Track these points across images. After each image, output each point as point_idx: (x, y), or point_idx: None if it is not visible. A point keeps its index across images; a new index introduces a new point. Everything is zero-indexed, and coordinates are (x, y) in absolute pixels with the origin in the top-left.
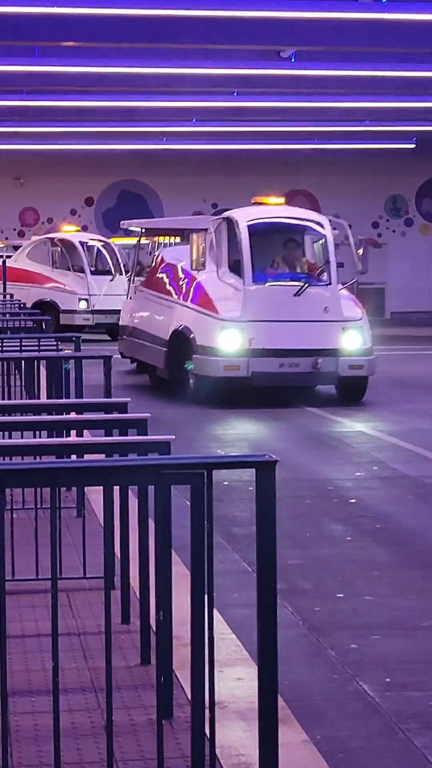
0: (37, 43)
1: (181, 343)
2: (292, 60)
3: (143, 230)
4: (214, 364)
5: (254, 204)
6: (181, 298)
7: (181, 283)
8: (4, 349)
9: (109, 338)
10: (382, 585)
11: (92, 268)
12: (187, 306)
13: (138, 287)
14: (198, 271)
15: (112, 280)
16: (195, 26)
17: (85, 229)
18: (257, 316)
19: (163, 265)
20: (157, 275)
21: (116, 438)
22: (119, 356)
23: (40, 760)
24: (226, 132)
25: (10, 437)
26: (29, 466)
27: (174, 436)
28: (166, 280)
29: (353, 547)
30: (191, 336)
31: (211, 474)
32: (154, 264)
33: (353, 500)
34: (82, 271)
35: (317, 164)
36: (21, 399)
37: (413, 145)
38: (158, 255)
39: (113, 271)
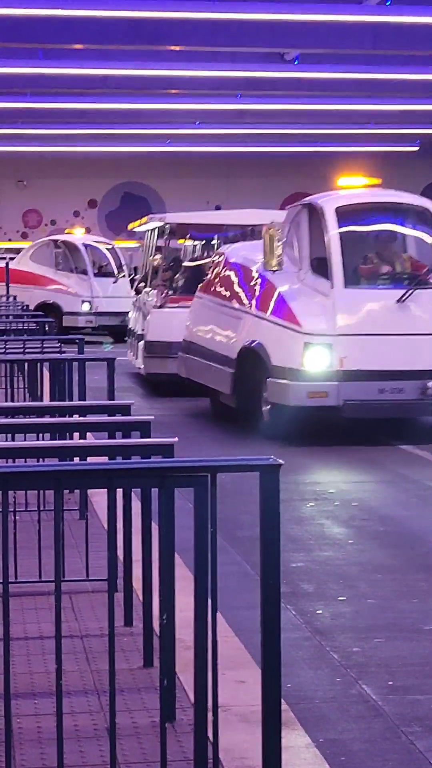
0: (40, 45)
1: (252, 363)
2: (296, 63)
3: (170, 226)
4: (296, 391)
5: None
6: (252, 306)
7: (251, 287)
8: (7, 351)
9: (112, 340)
10: (385, 588)
11: (95, 271)
12: (259, 316)
13: (198, 294)
14: (273, 272)
15: (115, 282)
16: (199, 28)
17: (88, 231)
18: (351, 329)
19: (226, 266)
20: (220, 278)
21: (119, 440)
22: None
23: (43, 763)
24: (229, 134)
25: (13, 439)
26: (32, 469)
27: (177, 438)
28: (232, 285)
29: (356, 550)
30: (265, 354)
31: (215, 477)
32: (215, 265)
33: None
34: (85, 273)
35: (320, 167)
36: (24, 401)
37: (417, 148)
38: (219, 254)
39: (116, 273)
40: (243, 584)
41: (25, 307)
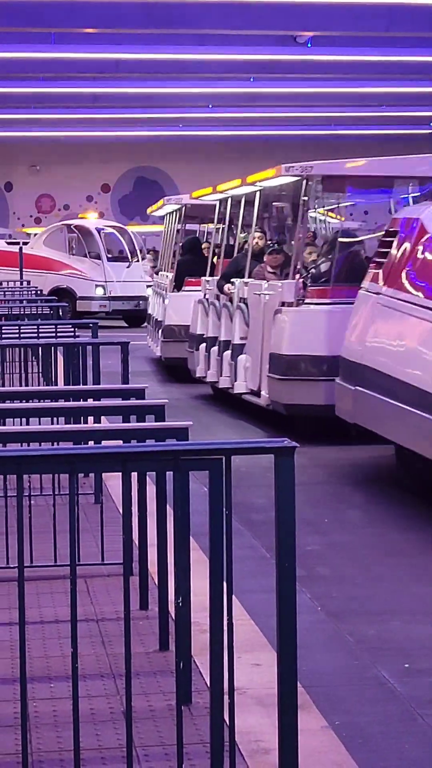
0: (53, 30)
1: None
2: (309, 45)
3: (318, 179)
4: None
5: None
6: None
7: None
8: (21, 335)
9: (126, 325)
10: (401, 571)
11: (109, 255)
12: None
13: (368, 286)
14: None
15: (128, 267)
16: (211, 12)
17: (101, 215)
18: None
19: (424, 241)
20: (414, 261)
21: (134, 424)
22: (265, 403)
23: (60, 746)
24: (242, 118)
25: (27, 423)
26: (47, 452)
27: (191, 422)
28: None
29: (371, 533)
30: None
31: (229, 460)
32: (401, 240)
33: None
34: (98, 257)
35: (334, 149)
36: (38, 386)
37: (430, 131)
38: (400, 222)
39: (130, 258)
40: (258, 567)
41: (38, 292)
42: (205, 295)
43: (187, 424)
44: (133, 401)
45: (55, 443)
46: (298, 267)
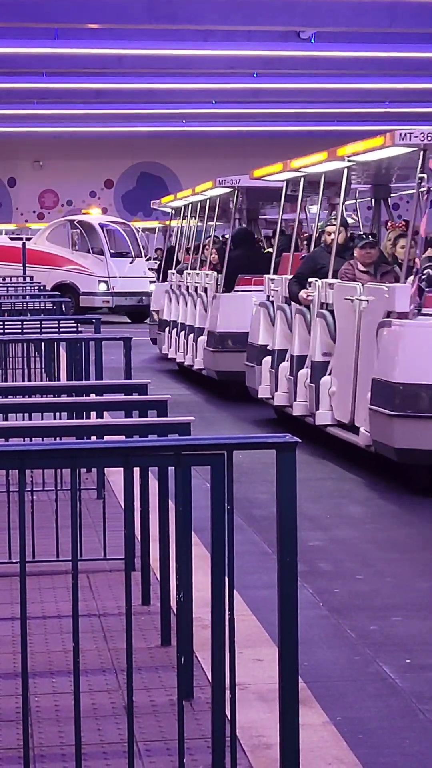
0: (56, 25)
1: None
2: (312, 41)
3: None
4: None
5: None
6: None
7: None
8: (24, 331)
9: (129, 320)
10: (403, 566)
11: (112, 251)
12: None
13: None
14: None
15: (131, 263)
16: (214, 7)
17: (105, 211)
18: None
19: None
20: None
21: (136, 419)
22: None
23: (61, 741)
24: (246, 113)
25: (30, 419)
26: (49, 447)
27: (194, 417)
28: None
29: (373, 528)
30: None
31: (231, 455)
32: None
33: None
34: (101, 253)
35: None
36: (41, 381)
37: None
38: None
39: (133, 254)
40: (260, 563)
41: (41, 288)
42: (268, 297)
43: (189, 419)
44: (135, 397)
45: (58, 438)
46: (416, 266)
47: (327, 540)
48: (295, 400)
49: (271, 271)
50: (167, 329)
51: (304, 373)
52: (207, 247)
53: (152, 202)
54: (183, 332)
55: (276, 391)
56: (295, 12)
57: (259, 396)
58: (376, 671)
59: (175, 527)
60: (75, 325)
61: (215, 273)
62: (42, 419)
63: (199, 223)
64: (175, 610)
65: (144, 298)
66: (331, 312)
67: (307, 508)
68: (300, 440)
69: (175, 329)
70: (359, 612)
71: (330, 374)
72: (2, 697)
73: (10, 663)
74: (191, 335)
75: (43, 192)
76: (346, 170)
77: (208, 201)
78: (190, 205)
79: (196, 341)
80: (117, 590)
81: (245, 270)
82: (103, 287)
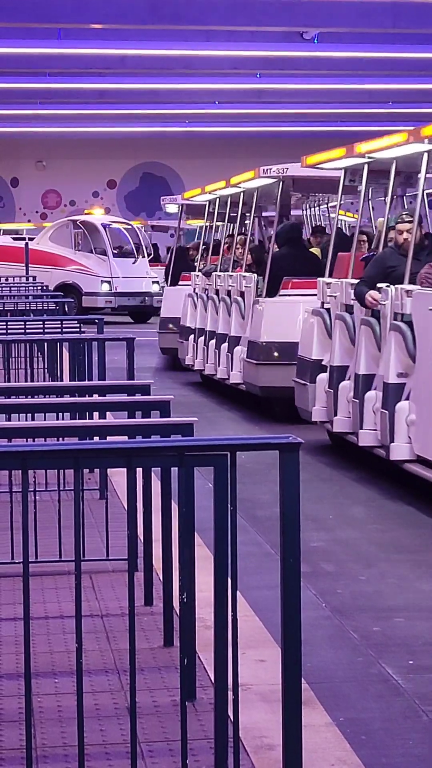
0: (59, 25)
1: None
2: (315, 42)
3: None
4: None
5: None
6: None
7: None
8: (27, 331)
9: (131, 320)
10: (405, 567)
11: (114, 251)
12: None
13: None
14: None
15: (134, 263)
16: (218, 7)
17: (107, 211)
18: None
19: None
20: None
21: (139, 420)
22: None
23: (64, 742)
24: (249, 114)
25: (32, 419)
26: (52, 448)
27: (196, 418)
28: None
29: (375, 529)
30: None
31: (234, 456)
32: None
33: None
34: (104, 253)
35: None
36: (44, 381)
37: None
38: None
39: (135, 254)
40: (263, 564)
41: (44, 288)
42: (323, 304)
43: (192, 420)
44: (138, 397)
45: (60, 439)
46: None
47: (330, 541)
48: (360, 428)
49: (327, 273)
50: (191, 337)
51: (373, 395)
52: (240, 245)
53: (162, 198)
54: (213, 341)
55: (335, 415)
56: (299, 12)
57: (313, 419)
58: (379, 672)
59: (178, 528)
60: (78, 325)
61: (254, 275)
62: (45, 420)
63: (220, 221)
64: (177, 611)
65: (147, 298)
66: (409, 324)
67: (310, 508)
68: (303, 441)
69: (201, 337)
70: (362, 613)
71: (408, 399)
72: (5, 697)
73: (13, 663)
74: (224, 345)
75: (46, 192)
76: (426, 155)
77: (242, 194)
78: (218, 199)
79: (231, 352)
80: (120, 591)
81: (291, 271)
82: (105, 287)
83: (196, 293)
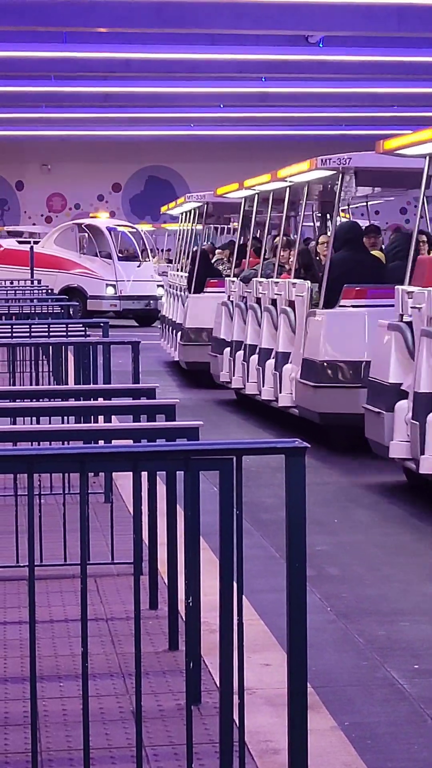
0: (64, 29)
1: None
2: (320, 45)
3: None
4: None
5: None
6: None
7: None
8: (32, 334)
9: (136, 324)
10: (410, 571)
11: (119, 254)
12: None
13: None
14: None
15: (139, 266)
16: (223, 11)
17: (112, 215)
18: None
19: None
20: None
21: (144, 424)
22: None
23: (69, 745)
24: (253, 118)
25: (38, 422)
26: (57, 451)
27: (202, 422)
28: None
29: (380, 533)
30: None
31: (240, 460)
32: None
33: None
34: (109, 257)
35: (345, 150)
36: (49, 384)
37: None
38: None
39: (140, 257)
40: (268, 567)
41: (49, 291)
42: (401, 317)
43: (198, 423)
44: (143, 401)
45: (66, 442)
46: None
47: (335, 544)
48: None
49: (407, 280)
50: (227, 352)
51: None
52: (287, 248)
53: (187, 195)
54: (256, 357)
55: (423, 453)
56: (304, 16)
57: (391, 455)
58: (384, 676)
59: (184, 531)
60: (83, 328)
61: (307, 282)
62: (50, 423)
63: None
64: (183, 615)
65: (152, 301)
66: None
67: (315, 512)
68: (309, 445)
69: (239, 352)
70: (367, 617)
71: None
72: (10, 701)
73: (18, 667)
74: (271, 362)
75: (51, 195)
76: None
77: (288, 189)
78: (257, 196)
79: (279, 370)
80: (125, 594)
81: (353, 278)
82: (110, 291)
83: (232, 302)
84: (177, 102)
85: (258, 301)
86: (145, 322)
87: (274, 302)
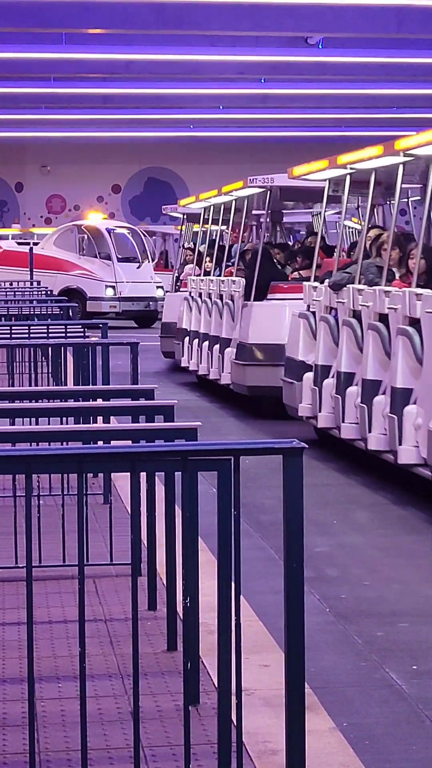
0: (63, 30)
1: None
2: (320, 47)
3: None
4: None
5: None
6: None
7: None
8: (31, 335)
9: (135, 325)
10: (409, 572)
11: (119, 256)
12: None
13: None
14: None
15: (138, 268)
16: (222, 13)
17: (112, 216)
18: None
19: None
20: None
21: (143, 425)
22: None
23: (67, 746)
24: (253, 119)
25: (36, 423)
26: (56, 452)
27: (200, 423)
28: None
29: (379, 534)
30: None
31: (238, 460)
32: None
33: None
34: (108, 258)
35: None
36: (48, 385)
37: None
38: None
39: (140, 259)
40: (266, 568)
41: (48, 292)
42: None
43: (196, 424)
44: (142, 402)
45: (64, 443)
46: None
47: (333, 546)
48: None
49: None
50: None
51: (354, 391)
52: (396, 246)
53: (250, 178)
54: (356, 389)
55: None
56: (303, 17)
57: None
58: (383, 677)
59: (182, 532)
60: (82, 329)
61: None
62: (48, 424)
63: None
64: (181, 616)
65: (151, 303)
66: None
67: (314, 513)
68: (307, 446)
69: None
70: (366, 618)
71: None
72: (8, 701)
73: (17, 668)
74: (380, 398)
75: (51, 197)
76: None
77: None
78: (348, 177)
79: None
80: (123, 595)
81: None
82: (110, 292)
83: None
84: (177, 103)
85: (355, 314)
86: (145, 324)
87: (383, 318)
